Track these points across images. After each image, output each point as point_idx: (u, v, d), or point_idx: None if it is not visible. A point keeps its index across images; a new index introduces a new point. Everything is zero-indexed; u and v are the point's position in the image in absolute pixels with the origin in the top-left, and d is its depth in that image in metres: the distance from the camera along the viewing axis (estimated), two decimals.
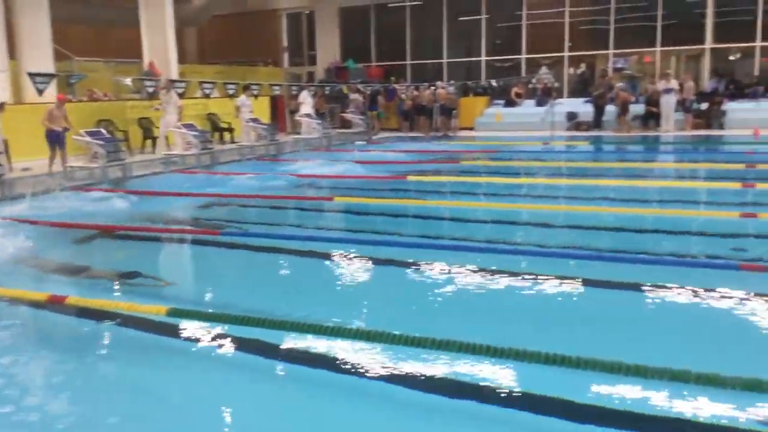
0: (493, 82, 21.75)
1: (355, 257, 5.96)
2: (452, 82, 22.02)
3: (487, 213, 8.43)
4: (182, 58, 19.74)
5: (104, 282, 5.38)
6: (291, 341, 3.91)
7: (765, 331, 4.08)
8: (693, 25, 20.49)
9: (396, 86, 21.86)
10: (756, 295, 4.52)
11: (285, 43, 26.92)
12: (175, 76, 16.01)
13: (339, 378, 3.49)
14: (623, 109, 18.10)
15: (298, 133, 17.56)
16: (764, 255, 5.75)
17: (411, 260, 5.71)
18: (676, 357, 3.40)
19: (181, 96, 13.63)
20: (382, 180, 10.68)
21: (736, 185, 8.85)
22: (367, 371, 3.51)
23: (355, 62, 23.89)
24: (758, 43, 19.43)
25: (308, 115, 17.60)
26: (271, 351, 3.82)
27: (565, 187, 10.22)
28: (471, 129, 20.50)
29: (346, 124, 19.94)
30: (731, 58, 20.91)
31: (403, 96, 21.06)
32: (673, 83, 17.52)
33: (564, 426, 2.93)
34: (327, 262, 6.00)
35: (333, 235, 7.34)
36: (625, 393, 3.12)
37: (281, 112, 20.04)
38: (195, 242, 7.02)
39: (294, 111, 18.71)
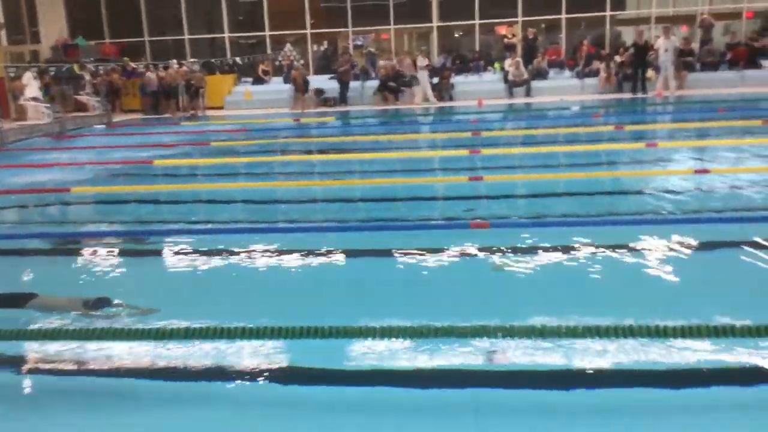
0: (237, 59, 21.44)
1: (100, 250, 5.53)
2: (195, 60, 21.29)
3: (243, 193, 8.31)
4: None
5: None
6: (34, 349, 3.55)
7: (493, 282, 4.57)
8: (421, 4, 22.09)
9: (133, 65, 20.57)
10: (483, 249, 5.07)
11: (1, 18, 23.77)
12: None
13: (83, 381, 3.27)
14: (299, 87, 18.94)
15: (25, 120, 15.76)
16: (490, 213, 6.47)
17: (163, 247, 5.46)
18: (425, 314, 3.71)
19: None
20: (125, 165, 10.02)
21: (464, 152, 9.81)
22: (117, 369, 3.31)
23: (86, 39, 21.93)
24: (477, 21, 21.58)
25: (35, 99, 15.84)
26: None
27: (319, 162, 10.49)
28: (221, 108, 20.06)
29: (81, 107, 18.31)
30: (456, 35, 23.00)
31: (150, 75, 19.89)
32: (426, 60, 18.88)
33: (322, 392, 3.07)
34: (66, 258, 5.50)
35: (73, 230, 6.74)
36: (379, 352, 3.32)
37: (2, 97, 17.78)
38: None
39: (18, 95, 16.73)
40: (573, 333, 2.99)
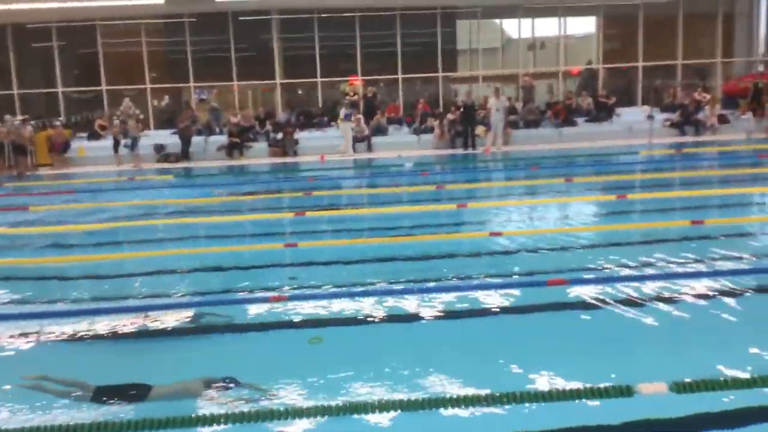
0: (60, 121, 20.64)
1: None
2: (20, 118, 20.13)
3: (69, 269, 7.91)
4: None
5: None
6: None
7: (324, 351, 4.84)
8: (265, 61, 22.47)
9: None
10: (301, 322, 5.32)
11: None
12: None
13: None
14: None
15: None
16: (305, 281, 6.59)
17: None
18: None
19: None
20: None
21: (290, 215, 10.00)
22: None
23: None
24: (319, 79, 22.25)
25: None
26: None
27: (162, 228, 9.92)
28: (52, 165, 19.12)
29: None
30: (299, 91, 23.55)
31: None
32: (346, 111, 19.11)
33: None
34: None
35: None
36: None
37: None
38: None
39: None
40: (372, 408, 3.36)
